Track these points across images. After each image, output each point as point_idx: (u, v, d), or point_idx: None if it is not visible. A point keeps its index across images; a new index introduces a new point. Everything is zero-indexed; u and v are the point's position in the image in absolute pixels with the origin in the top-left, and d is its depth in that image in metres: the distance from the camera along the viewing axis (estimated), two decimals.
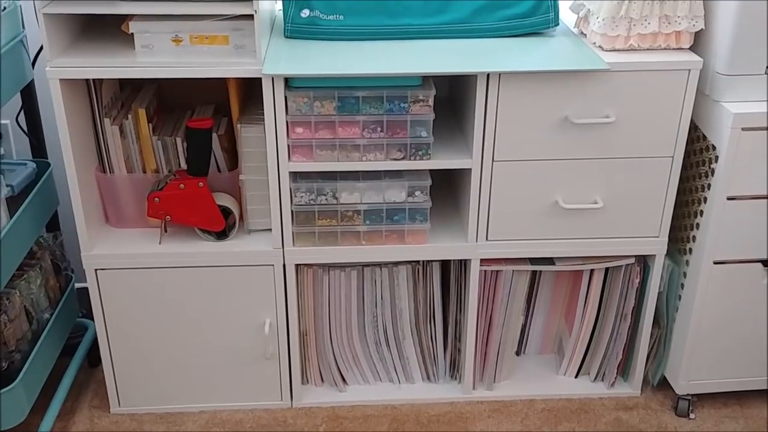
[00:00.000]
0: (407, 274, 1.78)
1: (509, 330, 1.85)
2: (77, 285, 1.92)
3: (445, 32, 1.64)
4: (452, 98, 1.83)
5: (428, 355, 1.88)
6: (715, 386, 1.83)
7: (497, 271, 1.76)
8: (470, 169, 1.62)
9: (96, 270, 1.67)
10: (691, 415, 1.84)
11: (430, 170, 1.65)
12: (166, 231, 1.68)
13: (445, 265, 1.79)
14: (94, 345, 1.86)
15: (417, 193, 1.66)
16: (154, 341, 1.76)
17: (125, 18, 1.53)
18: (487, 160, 1.60)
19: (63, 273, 1.86)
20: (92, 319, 1.75)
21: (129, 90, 1.74)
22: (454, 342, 1.87)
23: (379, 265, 1.76)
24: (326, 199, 1.64)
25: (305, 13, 1.63)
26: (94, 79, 1.58)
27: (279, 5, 1.74)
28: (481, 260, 1.72)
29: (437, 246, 1.71)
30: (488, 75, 1.52)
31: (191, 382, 1.82)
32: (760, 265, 1.68)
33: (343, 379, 1.89)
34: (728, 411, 1.86)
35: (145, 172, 1.69)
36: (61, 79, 1.48)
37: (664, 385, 1.89)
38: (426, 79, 1.57)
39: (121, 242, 1.70)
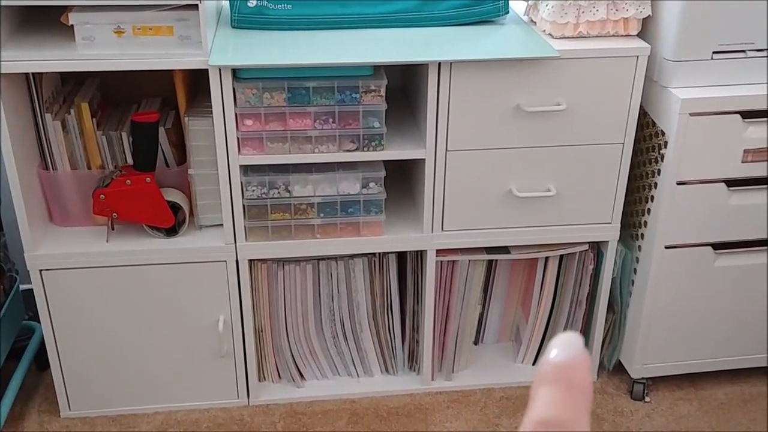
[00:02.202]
0: (363, 266, 1.76)
1: (466, 319, 1.85)
2: (22, 286, 1.85)
3: (396, 21, 1.63)
4: (405, 88, 1.81)
5: (386, 348, 1.87)
6: (669, 369, 1.86)
7: (453, 261, 1.75)
8: (424, 160, 1.61)
9: (41, 270, 1.62)
10: (647, 398, 1.86)
11: (384, 161, 1.64)
12: (113, 229, 1.63)
13: (401, 256, 1.78)
14: (42, 348, 1.81)
15: (371, 184, 1.64)
16: (104, 342, 1.71)
17: (65, 9, 1.47)
18: (441, 150, 1.59)
19: (7, 275, 1.80)
20: (39, 321, 1.69)
21: (71, 84, 1.68)
22: (411, 333, 1.86)
23: (335, 258, 1.75)
24: (279, 193, 1.62)
25: (252, 2, 1.60)
26: (33, 73, 1.52)
27: None
28: (437, 251, 1.71)
29: (393, 238, 1.70)
30: (439, 64, 1.51)
31: (144, 383, 1.77)
32: (710, 248, 1.71)
33: (301, 375, 1.87)
34: (682, 393, 1.89)
35: (89, 168, 1.64)
36: None
37: (619, 369, 1.91)
38: (377, 69, 1.55)
39: (67, 241, 1.64)
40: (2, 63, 1.43)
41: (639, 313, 1.78)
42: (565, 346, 0.30)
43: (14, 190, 1.53)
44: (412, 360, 1.90)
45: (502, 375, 1.92)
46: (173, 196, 1.64)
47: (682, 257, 1.70)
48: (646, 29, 1.60)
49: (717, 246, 1.71)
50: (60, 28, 1.50)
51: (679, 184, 1.62)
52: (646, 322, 1.77)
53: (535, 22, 1.67)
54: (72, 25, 1.47)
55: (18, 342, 1.84)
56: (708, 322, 1.80)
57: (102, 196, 1.58)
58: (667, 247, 1.69)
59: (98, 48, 1.47)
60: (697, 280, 1.74)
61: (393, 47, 1.54)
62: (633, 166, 1.70)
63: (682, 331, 1.80)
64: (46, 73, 1.55)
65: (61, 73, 1.65)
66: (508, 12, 1.66)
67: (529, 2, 1.67)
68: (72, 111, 1.59)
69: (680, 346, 1.82)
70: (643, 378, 1.86)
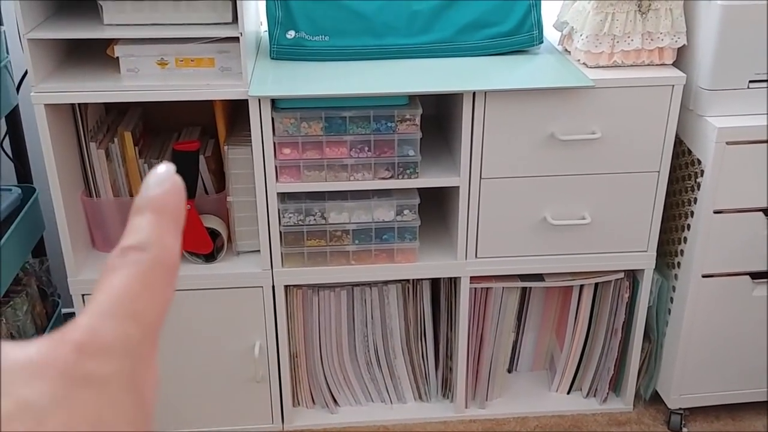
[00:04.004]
0: (397, 293, 1.77)
1: (500, 347, 1.84)
2: (64, 310, 1.90)
3: (431, 51, 1.65)
4: (439, 116, 1.83)
5: (420, 374, 1.87)
6: (706, 399, 1.83)
7: (487, 288, 1.75)
8: (458, 187, 1.62)
9: (83, 295, 1.65)
10: (684, 429, 1.84)
11: (419, 188, 1.66)
12: None
13: (435, 283, 1.79)
14: None
15: (406, 211, 1.65)
16: None
17: (110, 42, 1.52)
18: (475, 177, 1.61)
19: (50, 299, 1.84)
20: None
21: (114, 113, 1.73)
22: (445, 360, 1.86)
23: (369, 284, 1.76)
24: (315, 220, 1.64)
25: (291, 34, 1.64)
26: (79, 104, 1.57)
27: (264, 27, 1.74)
28: (471, 278, 1.72)
29: (427, 264, 1.71)
30: (474, 93, 1.52)
31: (180, 407, 1.80)
32: (748, 277, 1.69)
33: (335, 401, 1.88)
34: (720, 424, 1.86)
35: (131, 195, 1.68)
36: (46, 104, 1.48)
37: (656, 399, 1.88)
38: (412, 98, 1.58)
39: None
40: (49, 94, 1.48)
41: (676, 342, 1.76)
42: (155, 178, 0.30)
43: (59, 216, 1.58)
44: (446, 387, 1.90)
45: (536, 404, 1.90)
46: (212, 222, 1.67)
47: (719, 286, 1.69)
48: (681, 58, 1.61)
49: (755, 275, 1.69)
50: (105, 60, 1.55)
51: (715, 212, 1.61)
52: (683, 351, 1.75)
53: (569, 52, 1.68)
54: (117, 57, 1.52)
55: None
56: (746, 352, 1.77)
57: None
58: (704, 276, 1.67)
59: (142, 79, 1.52)
60: (734, 310, 1.72)
61: (428, 77, 1.57)
62: (669, 195, 1.69)
63: (720, 361, 1.77)
64: (91, 103, 1.60)
65: (105, 103, 1.70)
66: (542, 42, 1.68)
67: (563, 32, 1.69)
68: (115, 140, 1.63)
69: (718, 377, 1.80)
70: (680, 408, 1.83)
